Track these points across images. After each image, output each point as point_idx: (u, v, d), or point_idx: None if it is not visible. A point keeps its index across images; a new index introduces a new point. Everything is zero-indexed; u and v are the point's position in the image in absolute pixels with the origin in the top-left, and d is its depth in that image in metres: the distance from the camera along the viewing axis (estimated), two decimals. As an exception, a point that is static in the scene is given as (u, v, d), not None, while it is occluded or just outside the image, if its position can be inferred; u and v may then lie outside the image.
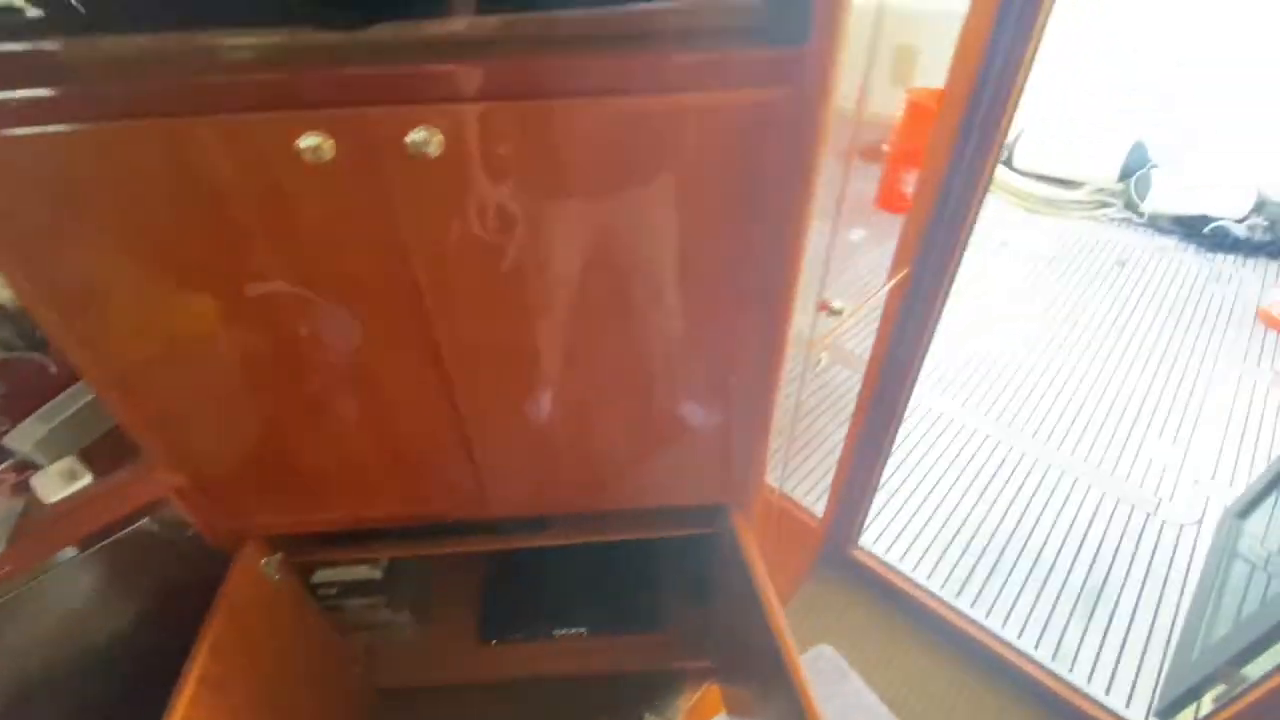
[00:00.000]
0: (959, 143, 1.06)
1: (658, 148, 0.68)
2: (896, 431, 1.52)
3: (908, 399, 1.44)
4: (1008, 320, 2.77)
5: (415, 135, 0.64)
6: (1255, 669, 1.34)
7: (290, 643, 1.26)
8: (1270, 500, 1.74)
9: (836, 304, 0.95)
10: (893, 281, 1.18)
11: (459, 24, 0.65)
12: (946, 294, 1.24)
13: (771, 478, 1.16)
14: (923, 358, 1.35)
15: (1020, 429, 2.25)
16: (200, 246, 0.69)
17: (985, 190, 1.10)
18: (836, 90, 0.65)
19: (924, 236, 1.16)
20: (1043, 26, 0.93)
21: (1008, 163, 3.89)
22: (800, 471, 1.40)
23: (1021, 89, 0.99)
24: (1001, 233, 3.43)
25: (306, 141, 0.64)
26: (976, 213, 1.12)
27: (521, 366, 0.86)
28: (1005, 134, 1.04)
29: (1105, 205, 3.56)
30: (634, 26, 0.62)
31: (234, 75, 0.61)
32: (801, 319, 0.88)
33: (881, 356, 1.36)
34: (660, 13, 0.64)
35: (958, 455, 2.15)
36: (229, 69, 0.62)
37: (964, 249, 1.17)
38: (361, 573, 1.33)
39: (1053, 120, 3.85)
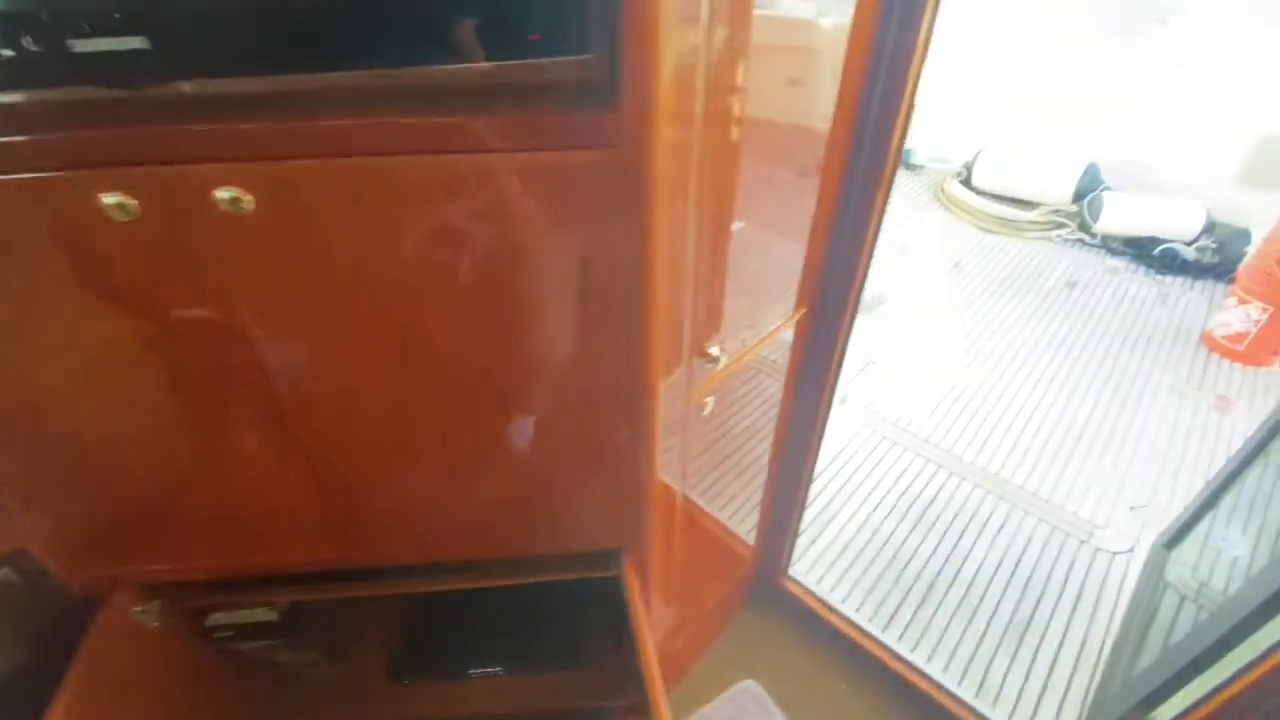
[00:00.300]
0: (849, 171, 1.05)
1: (482, 209, 0.66)
2: (814, 463, 1.51)
3: (821, 432, 1.42)
4: (953, 342, 2.78)
5: (222, 193, 0.62)
6: (1167, 710, 1.33)
7: (176, 689, 1.22)
8: (1199, 530, 1.74)
9: (714, 351, 0.93)
10: (794, 319, 1.17)
11: (263, 81, 0.63)
12: (848, 331, 1.23)
13: (681, 512, 1.14)
14: (831, 393, 1.34)
15: (960, 455, 2.25)
16: (39, 302, 0.67)
17: (879, 218, 1.09)
18: (661, 152, 0.64)
19: (821, 270, 1.15)
20: (926, 41, 0.92)
21: (966, 182, 3.93)
22: (725, 494, 1.38)
23: (910, 104, 0.97)
24: (956, 252, 3.46)
25: (109, 199, 0.62)
26: (873, 240, 1.10)
27: (371, 420, 0.83)
28: (895, 158, 1.03)
29: (1060, 226, 3.60)
30: (440, 84, 0.60)
31: (28, 133, 0.59)
32: (675, 370, 0.87)
33: (793, 387, 1.35)
34: (470, 73, 0.62)
35: (895, 482, 2.15)
36: (20, 126, 0.59)
37: (861, 284, 1.16)
38: (258, 614, 1.29)
39: (1010, 140, 3.90)
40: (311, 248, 0.66)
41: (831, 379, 1.31)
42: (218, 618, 1.27)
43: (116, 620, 1.09)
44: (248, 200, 0.62)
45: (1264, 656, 0.93)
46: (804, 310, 1.17)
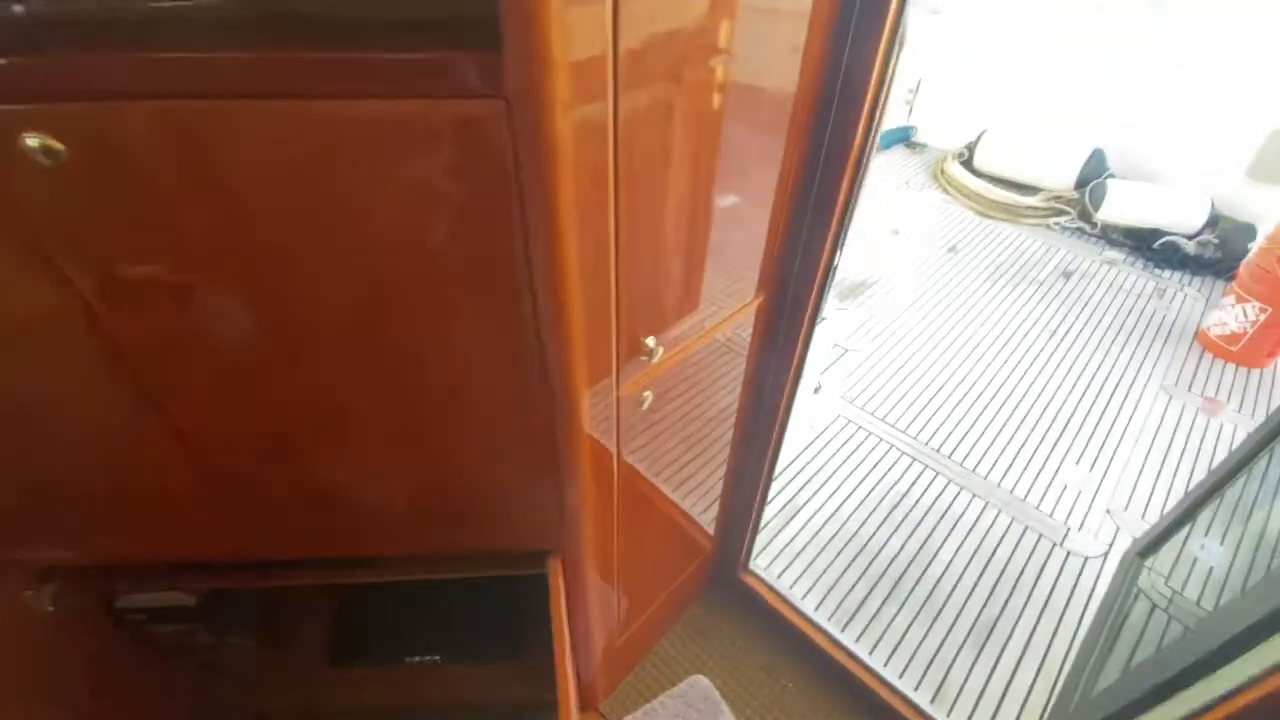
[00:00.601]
0: (813, 144, 0.94)
1: (343, 169, 0.56)
2: (775, 458, 1.42)
3: (783, 427, 1.34)
4: (939, 330, 2.69)
5: (31, 140, 0.52)
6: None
7: (81, 672, 1.16)
8: (1176, 540, 1.68)
9: (650, 343, 0.84)
10: (752, 305, 1.07)
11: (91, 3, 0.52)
12: (812, 321, 1.13)
13: (622, 509, 1.06)
14: (793, 387, 1.25)
15: (936, 447, 2.18)
16: None
17: (847, 199, 0.98)
18: (561, 110, 0.53)
19: (781, 254, 1.05)
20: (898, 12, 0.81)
21: (967, 163, 3.79)
22: (684, 486, 1.30)
23: (886, 67, 0.85)
24: (951, 236, 3.34)
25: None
26: (840, 222, 1.00)
27: (256, 407, 0.74)
28: (866, 131, 0.91)
29: (1059, 213, 3.48)
30: (283, 11, 0.50)
31: None
32: (602, 366, 0.78)
33: (752, 380, 1.26)
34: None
35: (867, 474, 2.08)
36: None
37: (826, 270, 1.06)
38: (172, 598, 1.22)
39: (1016, 121, 3.75)
40: (154, 203, 0.56)
41: (793, 372, 1.22)
42: (127, 601, 1.19)
43: (5, 604, 1.02)
44: (60, 149, 0.52)
45: (1245, 686, 0.84)
46: (763, 297, 1.08)
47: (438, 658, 1.38)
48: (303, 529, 0.94)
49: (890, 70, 0.86)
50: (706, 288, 0.94)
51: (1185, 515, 1.61)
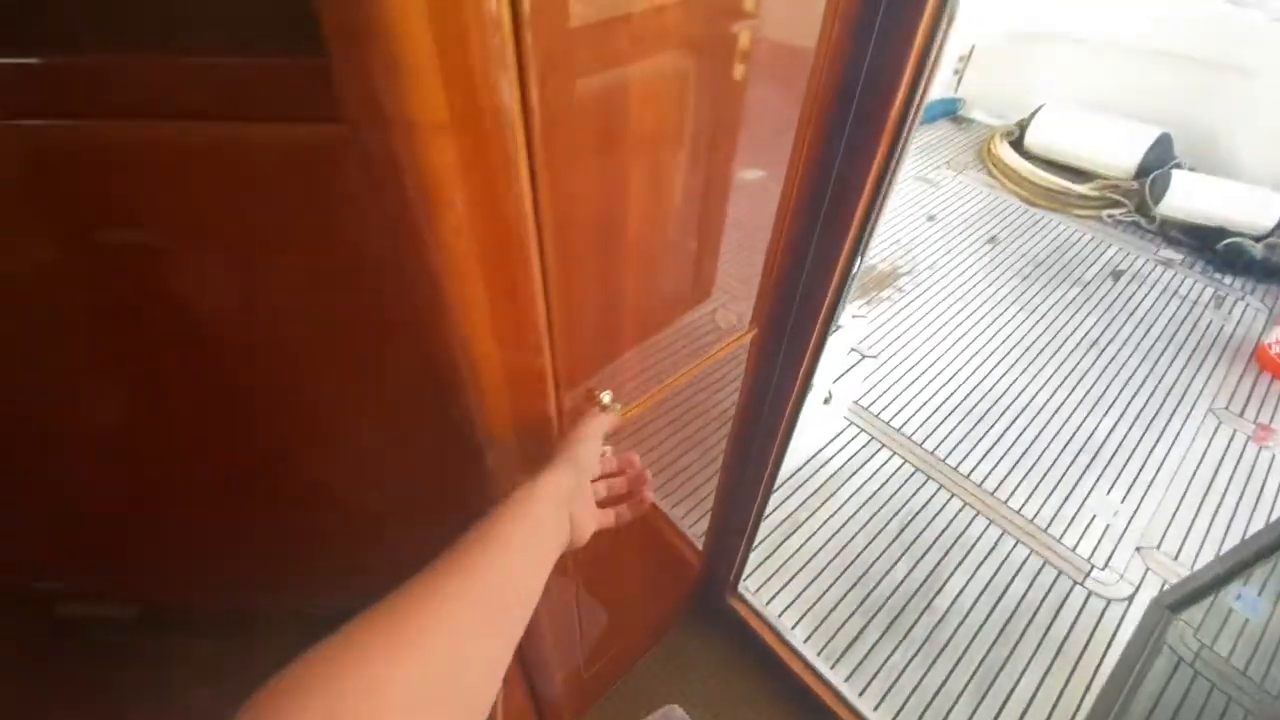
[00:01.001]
0: (829, 131, 0.75)
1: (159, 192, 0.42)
2: (776, 474, 1.28)
3: (778, 462, 1.19)
4: (969, 332, 2.49)
5: None
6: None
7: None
8: (1210, 601, 1.52)
9: (605, 399, 0.69)
10: (744, 338, 0.92)
11: None
12: (815, 356, 0.97)
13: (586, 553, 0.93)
14: (795, 413, 1.10)
15: (955, 465, 2.02)
16: None
17: (866, 226, 0.81)
18: (431, 128, 0.38)
19: (780, 280, 0.89)
20: None
21: (1017, 143, 3.49)
22: (667, 508, 1.18)
23: (931, 33, 0.66)
24: (991, 226, 3.09)
25: None
26: (858, 239, 0.83)
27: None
28: (901, 114, 0.72)
29: (1115, 204, 3.19)
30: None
31: None
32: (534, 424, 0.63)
33: (746, 411, 1.11)
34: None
35: (876, 492, 1.93)
36: None
37: (835, 302, 0.90)
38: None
39: (1073, 98, 3.43)
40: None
41: (794, 395, 1.06)
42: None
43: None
44: None
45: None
46: (755, 330, 0.92)
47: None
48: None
49: (937, 43, 0.67)
50: (678, 331, 0.79)
51: (1227, 574, 1.44)
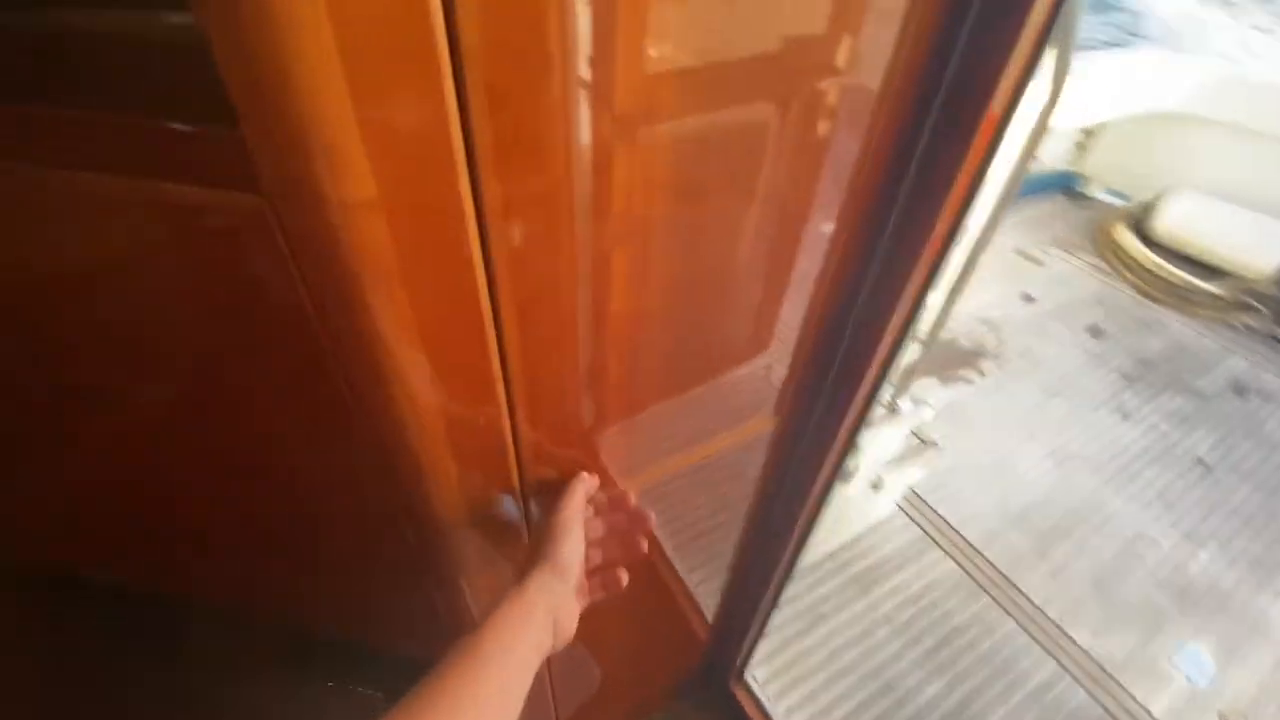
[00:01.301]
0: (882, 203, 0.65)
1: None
2: (794, 563, 1.16)
3: (806, 532, 1.08)
4: (1055, 431, 2.25)
5: None
6: None
7: None
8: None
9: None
10: (754, 426, 0.83)
11: None
12: (844, 449, 0.86)
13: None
14: (822, 499, 0.99)
15: (1015, 581, 1.80)
16: None
17: (929, 271, 0.68)
18: (354, 205, 0.33)
19: (799, 375, 0.79)
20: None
21: (1140, 230, 3.19)
22: (694, 547, 1.10)
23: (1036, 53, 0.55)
24: (1097, 315, 2.82)
25: None
26: (908, 317, 0.71)
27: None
28: (974, 168, 0.58)
29: (1247, 308, 2.84)
30: None
31: None
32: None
33: (762, 500, 1.01)
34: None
35: (920, 595, 1.75)
36: None
37: (872, 392, 0.79)
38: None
39: (1209, 187, 3.10)
40: None
41: (812, 503, 0.96)
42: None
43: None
44: None
45: None
46: (779, 420, 0.83)
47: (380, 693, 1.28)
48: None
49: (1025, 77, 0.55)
50: (683, 405, 0.71)
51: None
